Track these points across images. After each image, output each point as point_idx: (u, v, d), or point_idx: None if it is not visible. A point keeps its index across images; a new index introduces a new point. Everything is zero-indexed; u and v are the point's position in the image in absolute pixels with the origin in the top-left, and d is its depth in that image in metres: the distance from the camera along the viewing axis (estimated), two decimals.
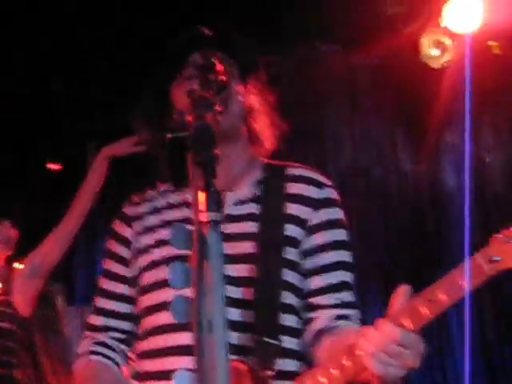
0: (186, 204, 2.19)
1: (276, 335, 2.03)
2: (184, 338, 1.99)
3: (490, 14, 4.66)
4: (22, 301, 4.11)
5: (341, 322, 2.08)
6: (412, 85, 5.26)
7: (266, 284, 2.05)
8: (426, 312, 1.73)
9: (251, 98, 2.25)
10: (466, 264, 1.72)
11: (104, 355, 2.22)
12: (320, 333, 2.09)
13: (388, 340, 1.72)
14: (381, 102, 5.57)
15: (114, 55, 4.95)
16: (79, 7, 4.51)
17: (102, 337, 2.25)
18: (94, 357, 2.21)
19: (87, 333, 2.29)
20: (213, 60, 1.78)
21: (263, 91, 2.29)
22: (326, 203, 2.19)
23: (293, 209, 2.16)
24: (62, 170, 5.92)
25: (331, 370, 1.86)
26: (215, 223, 1.33)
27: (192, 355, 1.26)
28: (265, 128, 2.28)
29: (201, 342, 1.25)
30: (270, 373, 1.98)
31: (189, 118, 1.39)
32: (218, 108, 1.51)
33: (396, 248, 5.57)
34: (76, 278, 5.98)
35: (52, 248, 4.18)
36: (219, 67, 1.77)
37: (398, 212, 5.63)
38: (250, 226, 2.12)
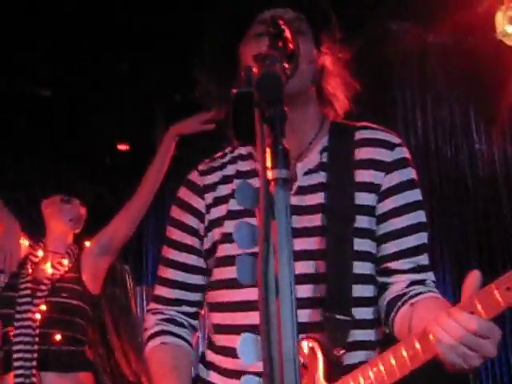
0: (256, 172, 2.13)
1: (349, 309, 1.99)
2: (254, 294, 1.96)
3: None
4: (91, 279, 4.14)
5: (416, 288, 2.03)
6: (486, 63, 5.13)
7: (337, 256, 2.00)
8: (500, 300, 1.65)
9: (324, 57, 2.17)
10: None
11: (174, 334, 2.20)
12: (395, 300, 2.04)
13: (467, 331, 1.66)
14: (453, 81, 5.44)
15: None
16: None
17: (171, 311, 2.23)
18: (165, 338, 2.18)
19: (155, 305, 2.26)
20: (282, 26, 1.72)
21: (336, 50, 2.19)
22: (399, 164, 2.12)
23: (364, 175, 2.09)
24: (131, 151, 5.96)
25: (403, 352, 1.80)
26: (283, 181, 1.27)
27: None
28: (337, 89, 2.20)
29: (267, 302, 1.21)
30: (342, 351, 1.94)
31: (255, 69, 1.33)
32: (286, 66, 1.44)
33: (469, 230, 5.45)
34: (146, 259, 6.03)
35: (121, 226, 4.21)
36: (288, 34, 1.71)
37: (471, 194, 5.50)
38: (320, 197, 2.07)
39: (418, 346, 1.78)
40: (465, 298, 1.71)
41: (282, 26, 1.70)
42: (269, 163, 1.27)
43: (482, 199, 5.52)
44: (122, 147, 5.82)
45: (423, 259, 2.09)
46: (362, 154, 2.12)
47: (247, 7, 2.14)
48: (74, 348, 3.97)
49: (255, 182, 2.05)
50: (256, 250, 1.25)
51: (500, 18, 4.86)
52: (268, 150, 1.28)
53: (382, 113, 5.20)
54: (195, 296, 2.22)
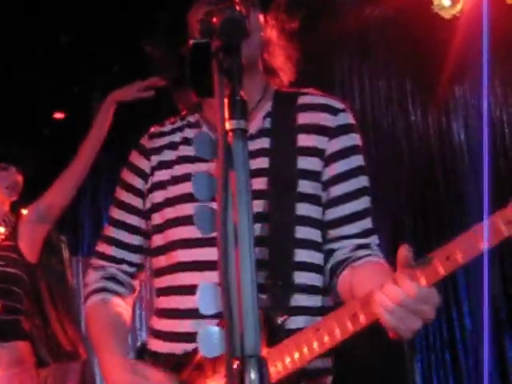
0: None
1: (291, 274, 2.00)
2: (208, 253, 1.97)
3: None
4: (29, 247, 4.08)
5: (361, 252, 2.05)
6: (423, 36, 5.19)
7: (279, 220, 2.00)
8: (440, 270, 1.70)
9: (270, 29, 2.17)
10: (485, 224, 1.67)
11: (115, 292, 2.22)
12: (337, 264, 2.06)
13: (406, 295, 1.69)
14: (392, 54, 5.50)
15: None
16: None
17: (111, 268, 2.24)
18: (106, 295, 2.20)
19: (97, 261, 2.27)
20: None
21: (282, 22, 2.20)
22: (342, 130, 2.11)
23: (307, 140, 2.09)
24: (68, 119, 5.87)
25: (345, 316, 1.82)
26: (241, 131, 1.27)
27: (216, 270, 1.21)
28: (281, 60, 2.21)
29: (226, 254, 1.20)
30: (284, 317, 1.95)
31: (214, 19, 1.32)
32: (245, 12, 1.43)
33: (405, 202, 5.54)
34: (82, 230, 5.96)
35: (58, 194, 4.15)
36: None
37: (407, 166, 5.58)
38: (262, 162, 2.06)
39: (360, 310, 1.80)
40: (399, 268, 1.74)
41: None
42: (226, 114, 1.27)
43: (416, 170, 5.61)
44: (59, 116, 5.73)
45: (367, 223, 2.11)
46: (305, 118, 2.12)
47: None
48: (11, 317, 3.92)
49: None
50: (213, 205, 1.25)
51: None
52: (226, 101, 1.28)
53: (320, 83, 5.23)
54: (136, 257, 2.24)
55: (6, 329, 3.88)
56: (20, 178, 4.21)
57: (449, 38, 5.10)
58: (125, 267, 2.24)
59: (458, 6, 4.95)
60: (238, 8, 1.35)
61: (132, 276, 2.26)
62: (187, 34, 2.11)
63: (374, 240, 2.11)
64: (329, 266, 2.09)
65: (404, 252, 1.73)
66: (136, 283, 2.29)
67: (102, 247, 2.28)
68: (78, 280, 5.53)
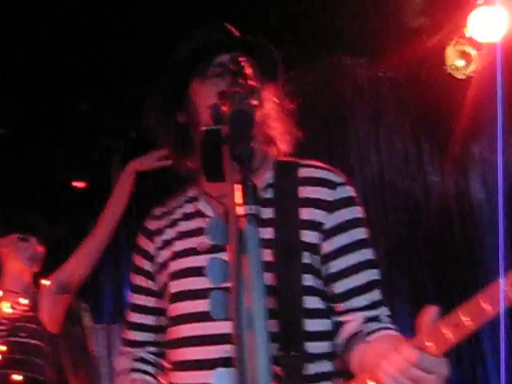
0: (199, 213, 2.19)
1: (301, 344, 2.01)
2: (222, 327, 1.95)
3: None
4: (50, 318, 4.10)
5: (371, 325, 2.05)
6: (437, 96, 5.23)
7: (287, 291, 2.01)
8: (450, 336, 1.69)
9: (269, 104, 2.21)
10: (495, 287, 1.67)
11: (144, 371, 2.26)
12: (351, 338, 2.06)
13: (408, 363, 1.70)
14: (406, 114, 5.54)
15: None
16: None
17: (139, 352, 2.29)
18: (134, 374, 2.25)
19: (125, 348, 2.33)
20: (243, 64, 1.77)
21: (281, 98, 2.24)
22: (341, 204, 2.13)
23: (307, 213, 2.11)
24: (88, 187, 5.93)
25: None
26: (252, 217, 1.30)
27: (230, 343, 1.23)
28: (279, 133, 2.23)
29: (241, 337, 1.22)
30: None
31: (224, 108, 1.36)
32: (254, 102, 1.47)
33: (426, 262, 5.51)
34: (103, 297, 5.97)
35: (78, 265, 4.18)
36: (249, 72, 1.75)
37: (425, 225, 5.57)
38: (267, 232, 2.06)
39: (368, 380, 1.83)
40: (418, 332, 1.74)
41: (243, 64, 1.75)
42: (239, 199, 1.30)
43: (436, 229, 5.59)
44: (79, 184, 5.80)
45: (375, 295, 2.11)
46: (305, 192, 2.14)
47: (202, 48, 2.18)
48: None
49: (199, 223, 2.13)
50: (227, 284, 1.27)
51: (450, 52, 4.98)
52: (238, 187, 1.30)
53: (335, 147, 5.28)
54: (160, 336, 2.27)
55: None
56: (41, 249, 4.24)
57: (463, 96, 5.13)
58: (152, 349, 2.29)
59: (472, 66, 4.99)
60: (247, 95, 1.39)
61: (160, 355, 2.29)
62: (183, 102, 2.19)
63: (383, 312, 2.11)
64: (339, 340, 2.09)
65: (427, 315, 1.74)
66: (164, 362, 2.30)
67: (126, 334, 2.34)
68: (102, 348, 5.53)
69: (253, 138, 1.35)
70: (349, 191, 2.17)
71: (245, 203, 1.29)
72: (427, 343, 1.70)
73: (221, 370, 1.25)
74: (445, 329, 1.70)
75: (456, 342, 1.70)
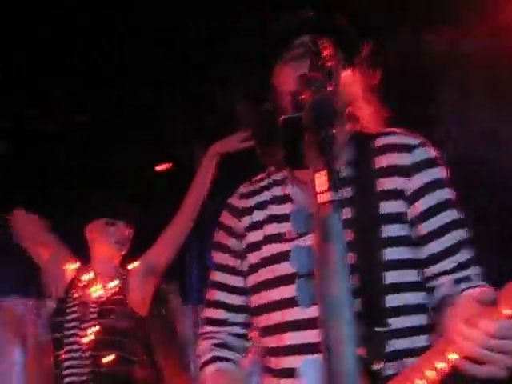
0: (288, 197, 2.17)
1: (384, 320, 1.97)
2: (311, 336, 1.94)
3: None
4: (139, 300, 4.17)
5: (462, 286, 1.99)
6: None
7: (368, 269, 1.99)
8: None
9: (355, 85, 2.17)
10: None
11: (228, 359, 2.24)
12: (441, 302, 2.01)
13: (487, 336, 1.61)
14: (493, 86, 5.39)
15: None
16: None
17: (222, 334, 2.27)
18: (220, 365, 2.21)
19: (207, 328, 2.31)
20: (321, 45, 1.75)
21: (367, 77, 2.19)
22: (420, 166, 2.08)
23: (387, 183, 2.07)
24: (172, 170, 5.97)
25: (427, 373, 1.77)
26: (336, 203, 1.28)
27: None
28: (367, 114, 2.20)
29: (327, 324, 1.21)
30: (381, 363, 1.92)
31: (304, 96, 1.34)
32: (333, 86, 1.45)
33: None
34: (189, 277, 6.03)
35: (165, 247, 4.24)
36: (328, 53, 1.73)
37: None
38: (346, 212, 2.02)
39: (439, 365, 1.74)
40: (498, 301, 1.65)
41: (323, 45, 1.73)
42: (323, 186, 1.28)
43: None
44: (162, 168, 5.84)
45: (463, 256, 2.06)
46: (382, 161, 2.11)
47: (284, 30, 2.16)
48: (124, 368, 4.00)
49: (287, 207, 2.11)
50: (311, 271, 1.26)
51: None
52: (321, 174, 1.29)
53: (421, 121, 5.17)
54: (243, 317, 2.26)
55: (120, 379, 3.97)
56: (128, 232, 4.31)
57: None
58: (235, 329, 2.28)
59: None
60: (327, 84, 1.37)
61: (243, 337, 2.28)
62: (269, 89, 2.16)
63: (473, 271, 2.05)
64: (431, 304, 2.07)
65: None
66: (248, 344, 2.30)
67: (209, 312, 2.31)
68: (188, 328, 5.58)
69: (334, 125, 1.33)
70: (428, 152, 2.12)
71: (330, 190, 1.27)
72: (504, 311, 1.61)
73: (308, 358, 1.24)
74: None
75: None
